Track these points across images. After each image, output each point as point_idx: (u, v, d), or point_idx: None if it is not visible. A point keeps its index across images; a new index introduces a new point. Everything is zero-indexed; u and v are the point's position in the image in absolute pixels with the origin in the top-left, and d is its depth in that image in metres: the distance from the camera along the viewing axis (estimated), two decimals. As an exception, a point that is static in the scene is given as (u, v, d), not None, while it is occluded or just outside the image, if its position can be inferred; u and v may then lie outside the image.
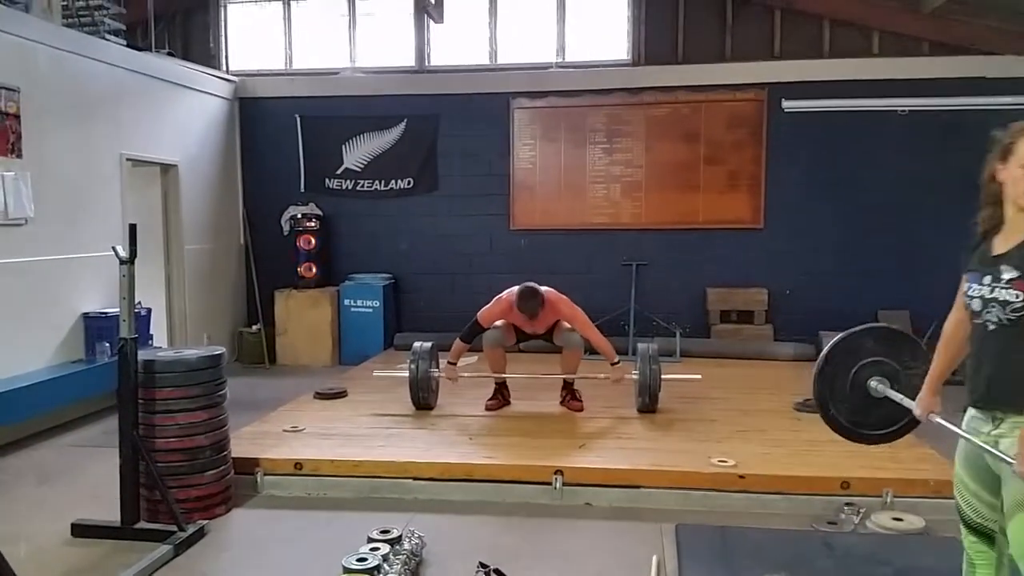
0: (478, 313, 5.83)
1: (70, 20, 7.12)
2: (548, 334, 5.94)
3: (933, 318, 7.80)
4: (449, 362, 5.86)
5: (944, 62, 8.20)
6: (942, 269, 9.02)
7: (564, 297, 5.82)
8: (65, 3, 7.08)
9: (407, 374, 5.79)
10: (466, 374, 6.04)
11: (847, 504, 4.17)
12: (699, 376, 6.02)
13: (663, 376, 5.67)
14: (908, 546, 3.76)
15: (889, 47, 8.52)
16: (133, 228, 4.16)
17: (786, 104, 8.34)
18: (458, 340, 5.85)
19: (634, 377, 5.68)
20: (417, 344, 5.93)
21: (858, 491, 4.27)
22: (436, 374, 5.92)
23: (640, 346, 5.82)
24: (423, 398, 5.82)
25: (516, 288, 5.66)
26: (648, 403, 5.66)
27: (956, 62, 8.17)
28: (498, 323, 5.84)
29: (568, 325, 5.85)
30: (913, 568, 3.48)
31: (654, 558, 3.47)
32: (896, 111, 8.18)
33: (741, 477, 4.39)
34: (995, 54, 8.11)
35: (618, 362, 5.74)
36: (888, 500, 4.22)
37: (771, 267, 8.58)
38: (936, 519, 4.08)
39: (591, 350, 5.88)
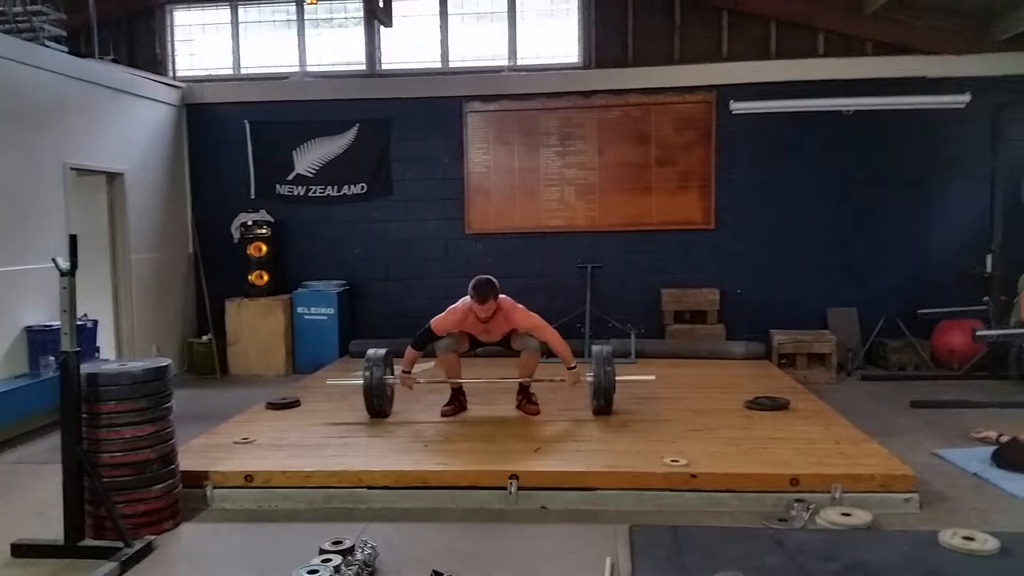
0: (431, 321, 5.79)
1: (7, 26, 6.94)
2: (503, 341, 5.92)
3: (880, 316, 8.06)
4: (404, 371, 5.80)
5: (887, 62, 8.38)
6: (889, 267, 9.21)
7: (520, 306, 5.80)
8: (1, 9, 6.91)
9: (361, 382, 5.75)
10: (422, 380, 6.00)
11: (797, 500, 4.23)
12: (653, 377, 6.07)
13: (618, 377, 5.70)
14: (856, 541, 3.80)
15: (834, 47, 8.68)
16: (74, 239, 4.07)
17: (734, 106, 8.41)
18: (410, 348, 5.80)
19: (589, 380, 5.70)
20: (371, 351, 5.87)
21: (808, 487, 4.33)
22: (391, 381, 5.87)
23: (595, 348, 5.83)
24: (378, 406, 5.76)
25: (468, 297, 5.63)
26: (603, 405, 5.69)
27: (898, 62, 8.35)
28: (452, 331, 5.81)
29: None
30: (861, 563, 3.51)
31: (608, 560, 3.48)
32: (842, 111, 8.31)
33: (693, 476, 4.43)
34: (935, 53, 8.30)
35: (575, 366, 5.75)
36: (837, 496, 4.29)
37: (722, 267, 8.69)
38: (883, 513, 4.17)
39: (548, 353, 5.89)
